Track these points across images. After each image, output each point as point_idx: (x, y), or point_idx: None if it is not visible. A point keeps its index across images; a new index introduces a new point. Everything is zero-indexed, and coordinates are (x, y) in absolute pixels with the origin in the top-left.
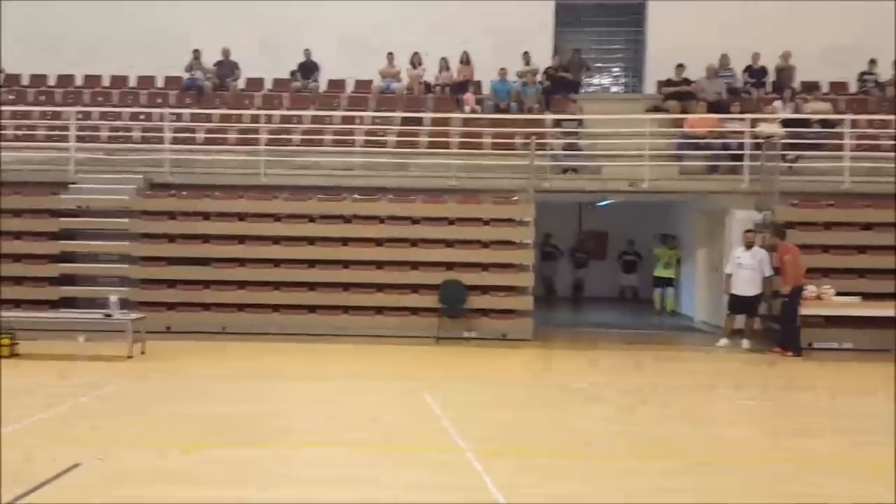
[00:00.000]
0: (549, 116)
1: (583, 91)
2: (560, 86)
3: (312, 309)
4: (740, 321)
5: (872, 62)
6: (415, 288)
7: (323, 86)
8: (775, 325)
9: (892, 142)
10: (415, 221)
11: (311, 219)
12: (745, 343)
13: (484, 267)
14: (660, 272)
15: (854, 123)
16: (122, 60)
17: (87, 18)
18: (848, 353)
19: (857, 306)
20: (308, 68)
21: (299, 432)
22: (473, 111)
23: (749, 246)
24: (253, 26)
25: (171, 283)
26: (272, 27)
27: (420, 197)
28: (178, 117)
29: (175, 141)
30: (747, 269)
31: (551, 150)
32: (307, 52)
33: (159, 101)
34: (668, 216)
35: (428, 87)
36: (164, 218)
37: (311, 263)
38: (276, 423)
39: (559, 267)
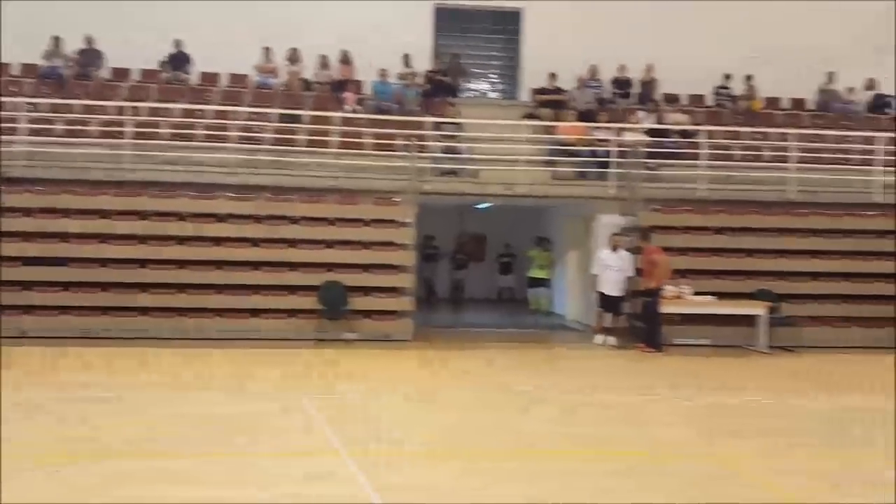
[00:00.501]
0: (430, 119)
1: (461, 95)
2: (439, 89)
3: (183, 312)
4: (608, 319)
5: (727, 77)
6: (293, 289)
7: (195, 78)
8: (639, 323)
9: (743, 152)
10: (293, 221)
11: (182, 217)
12: (612, 340)
13: (364, 268)
14: (535, 273)
15: (710, 134)
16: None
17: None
18: (705, 348)
19: (712, 305)
20: (179, 59)
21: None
22: (354, 111)
23: (615, 248)
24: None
25: (27, 285)
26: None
27: (299, 196)
28: (35, 107)
29: (32, 133)
30: (613, 271)
31: (431, 152)
32: (178, 43)
33: (14, 89)
34: (542, 219)
35: (307, 85)
36: (18, 215)
37: (182, 264)
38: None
39: (440, 268)
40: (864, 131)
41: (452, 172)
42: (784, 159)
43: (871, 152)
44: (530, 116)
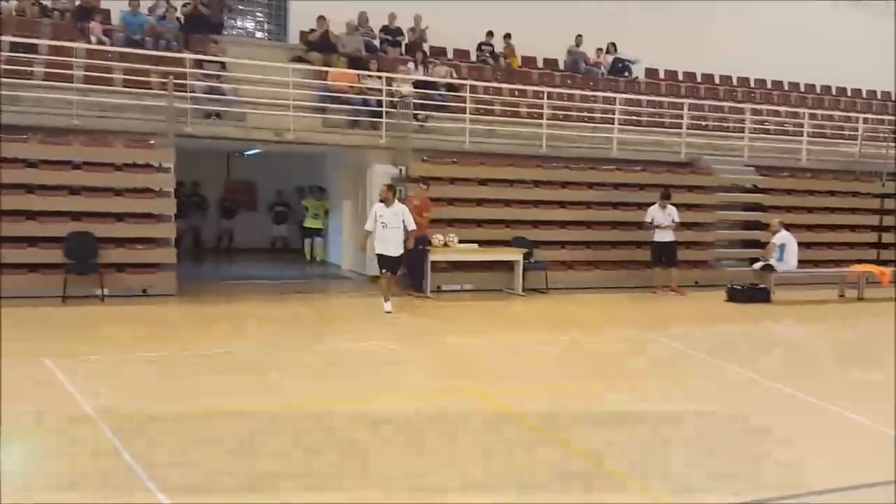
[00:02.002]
0: (190, 56)
1: (225, 33)
2: (200, 24)
3: None
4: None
5: (490, 34)
6: (33, 241)
7: None
8: (408, 270)
9: (503, 108)
10: (30, 164)
11: None
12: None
13: (118, 217)
14: (309, 223)
15: (473, 89)
16: None
17: None
18: (469, 293)
19: (476, 252)
20: None
21: None
22: (101, 42)
23: (388, 203)
24: None
25: None
26: None
27: (37, 136)
28: None
29: None
30: (392, 229)
31: (192, 92)
32: None
33: None
34: (315, 168)
35: (44, 11)
36: None
37: None
38: None
39: (207, 217)
40: (606, 92)
41: (217, 115)
42: (539, 116)
43: (611, 111)
44: (300, 60)
